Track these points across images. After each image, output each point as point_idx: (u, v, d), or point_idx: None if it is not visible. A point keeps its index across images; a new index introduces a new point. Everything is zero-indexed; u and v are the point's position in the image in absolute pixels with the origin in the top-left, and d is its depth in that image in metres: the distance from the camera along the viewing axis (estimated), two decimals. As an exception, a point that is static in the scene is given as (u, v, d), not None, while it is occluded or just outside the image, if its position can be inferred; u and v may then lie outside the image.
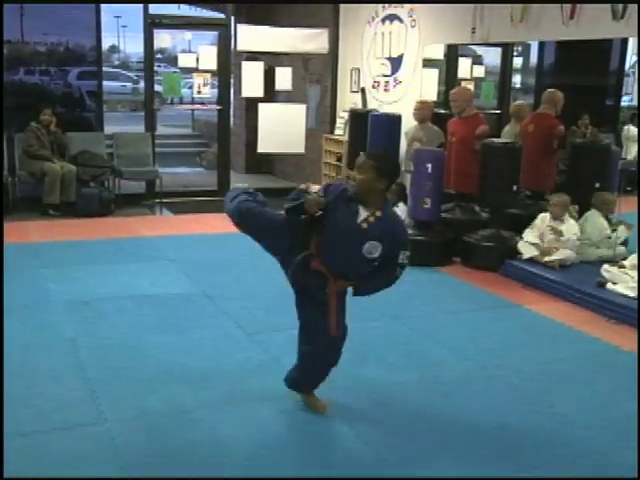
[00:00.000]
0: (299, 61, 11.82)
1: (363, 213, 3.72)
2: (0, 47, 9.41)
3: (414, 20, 9.27)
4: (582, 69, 9.65)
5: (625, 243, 7.24)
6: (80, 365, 4.70)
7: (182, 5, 12.07)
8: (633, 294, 6.00)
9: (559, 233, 6.95)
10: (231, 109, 11.68)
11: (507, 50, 10.76)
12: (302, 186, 3.76)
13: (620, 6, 6.54)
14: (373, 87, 10.10)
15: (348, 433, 3.96)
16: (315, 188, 3.65)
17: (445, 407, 4.32)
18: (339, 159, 10.52)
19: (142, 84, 12.01)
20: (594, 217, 7.20)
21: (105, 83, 11.35)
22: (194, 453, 3.69)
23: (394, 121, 9.06)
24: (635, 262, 6.28)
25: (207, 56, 10.51)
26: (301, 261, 3.81)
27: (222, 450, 3.70)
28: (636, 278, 6.10)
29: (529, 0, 7.45)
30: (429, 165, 7.41)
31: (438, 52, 9.97)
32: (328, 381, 4.55)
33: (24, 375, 4.51)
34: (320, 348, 3.99)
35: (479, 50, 11.28)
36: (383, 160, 3.78)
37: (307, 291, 3.90)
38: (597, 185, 7.35)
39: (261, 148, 10.48)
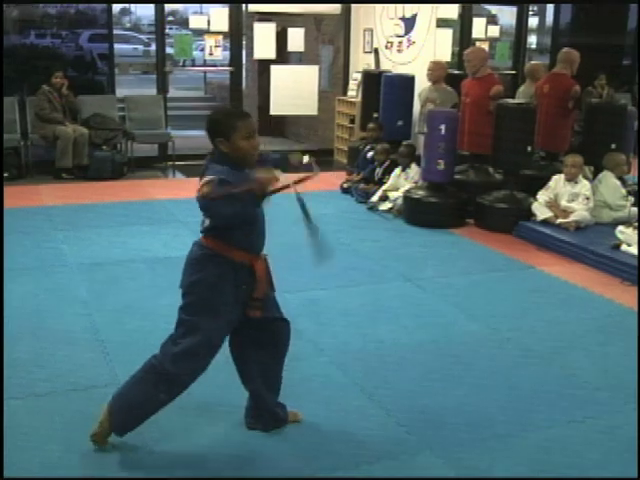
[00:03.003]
0: (311, 22, 11.71)
1: None
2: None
3: (428, -21, 9.12)
4: (599, 28, 9.53)
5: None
6: (94, 327, 4.73)
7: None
8: (648, 255, 5.96)
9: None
10: (243, 71, 11.59)
11: (522, 9, 10.63)
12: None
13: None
14: (386, 48, 9.98)
15: (360, 394, 3.97)
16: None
17: (456, 368, 4.33)
18: (352, 121, 10.45)
19: (153, 46, 11.93)
20: (608, 178, 7.13)
21: (116, 46, 11.29)
22: (204, 409, 3.73)
23: (407, 82, 8.99)
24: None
25: (218, 17, 10.40)
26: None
27: (236, 409, 3.73)
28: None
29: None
30: (443, 126, 7.35)
31: (452, 12, 9.85)
32: (341, 342, 4.57)
33: (38, 336, 4.55)
34: None
35: (494, 9, 11.16)
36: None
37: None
38: (613, 146, 7.28)
39: (274, 110, 10.44)
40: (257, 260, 3.29)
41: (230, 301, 3.26)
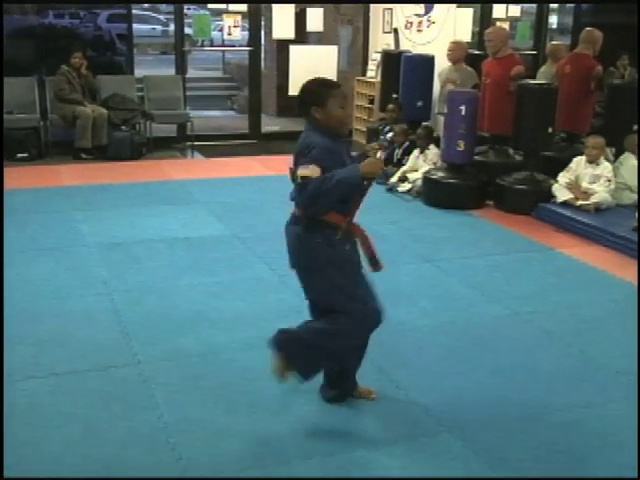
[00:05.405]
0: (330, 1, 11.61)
1: None
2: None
3: (448, -43, 9.03)
4: (622, 8, 9.38)
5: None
6: (113, 307, 4.75)
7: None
8: (669, 238, 5.90)
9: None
10: (262, 51, 11.54)
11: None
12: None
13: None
14: (406, 27, 9.90)
15: (379, 375, 3.97)
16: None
17: (475, 350, 4.31)
18: (371, 101, 10.39)
19: (172, 26, 11.90)
20: (628, 160, 7.06)
21: (135, 26, 11.24)
22: (225, 392, 3.74)
23: (427, 62, 8.92)
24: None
25: (237, -3, 10.37)
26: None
27: (254, 390, 3.74)
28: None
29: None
30: (463, 107, 7.29)
31: (473, -9, 9.74)
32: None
33: (58, 316, 4.58)
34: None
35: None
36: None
37: None
38: (635, 127, 7.20)
39: (293, 91, 10.37)
40: (354, 225, 3.50)
41: (348, 256, 3.51)
